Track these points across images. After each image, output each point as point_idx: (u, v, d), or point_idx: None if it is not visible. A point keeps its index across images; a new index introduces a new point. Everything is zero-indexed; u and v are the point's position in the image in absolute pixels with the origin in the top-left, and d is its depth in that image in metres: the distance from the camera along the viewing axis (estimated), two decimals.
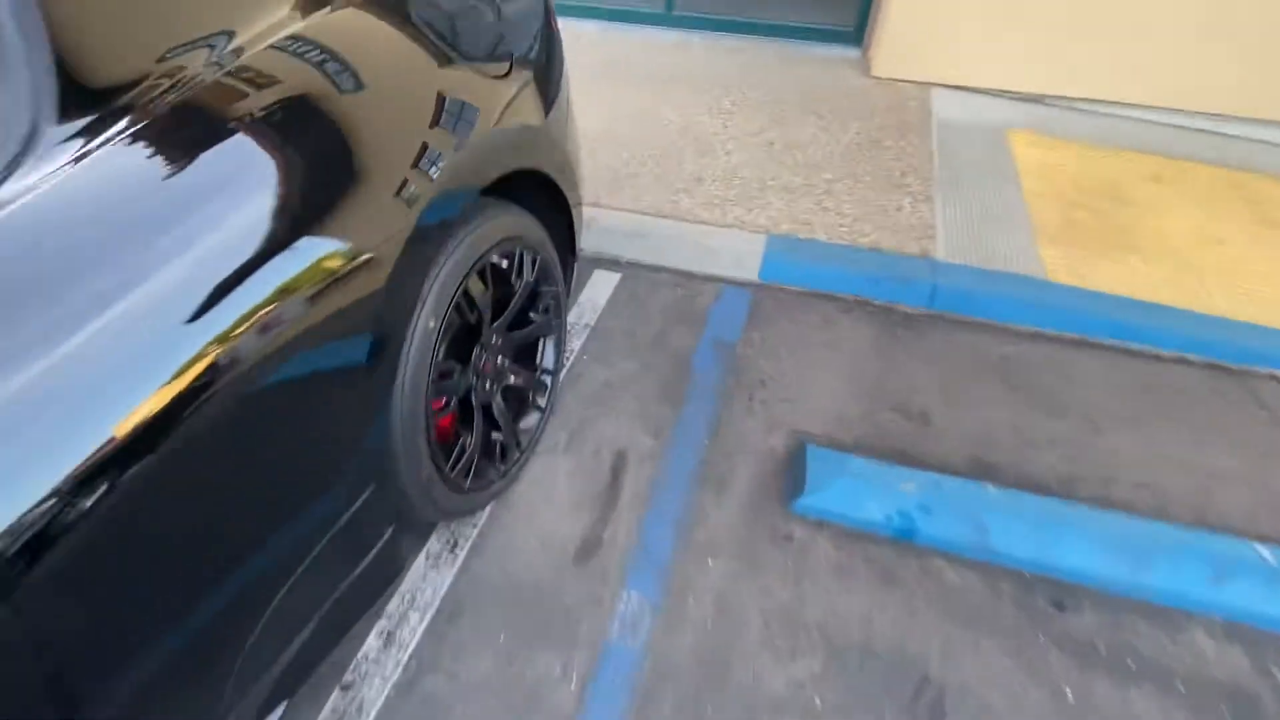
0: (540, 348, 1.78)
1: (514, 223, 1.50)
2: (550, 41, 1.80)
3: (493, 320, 1.51)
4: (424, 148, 1.20)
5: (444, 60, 1.32)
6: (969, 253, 2.47)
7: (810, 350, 2.19)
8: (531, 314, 1.68)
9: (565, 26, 4.54)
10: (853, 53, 4.12)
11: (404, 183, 1.14)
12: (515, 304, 1.56)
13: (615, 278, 2.51)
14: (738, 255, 2.49)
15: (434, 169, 1.20)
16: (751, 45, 4.22)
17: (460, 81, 1.33)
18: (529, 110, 1.54)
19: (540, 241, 1.63)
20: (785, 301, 2.40)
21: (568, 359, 2.13)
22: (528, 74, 1.57)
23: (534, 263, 1.60)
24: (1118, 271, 2.40)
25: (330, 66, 1.09)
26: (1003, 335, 2.26)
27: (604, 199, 2.74)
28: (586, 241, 2.62)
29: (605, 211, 2.67)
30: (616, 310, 2.35)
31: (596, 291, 2.43)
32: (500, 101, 1.42)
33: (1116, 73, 3.43)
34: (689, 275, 2.53)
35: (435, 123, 1.24)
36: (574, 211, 1.87)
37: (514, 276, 1.55)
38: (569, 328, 2.26)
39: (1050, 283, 2.33)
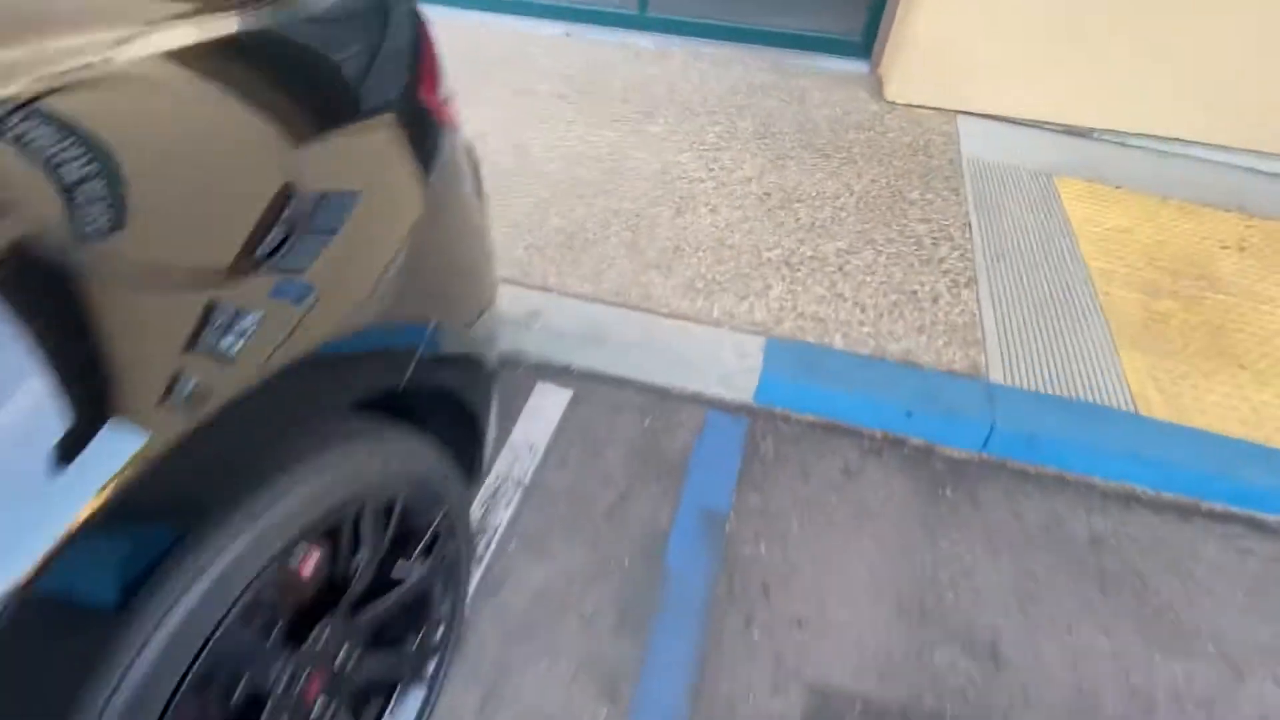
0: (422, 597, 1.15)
1: (346, 473, 0.87)
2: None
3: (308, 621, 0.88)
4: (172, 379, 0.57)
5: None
6: (1031, 368, 1.87)
7: (830, 526, 1.59)
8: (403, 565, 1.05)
9: (523, 29, 3.85)
10: (860, 67, 3.48)
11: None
12: (358, 588, 0.93)
13: (564, 397, 1.88)
14: (727, 368, 1.88)
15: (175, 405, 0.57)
16: (742, 55, 3.56)
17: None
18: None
19: (410, 472, 0.99)
20: (791, 438, 1.80)
21: (488, 546, 1.51)
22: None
23: (395, 513, 0.97)
24: (1225, 396, 1.83)
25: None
26: (1087, 497, 1.68)
27: (553, 279, 2.10)
28: (528, 343, 1.99)
29: (554, 300, 2.03)
30: (563, 453, 1.73)
31: (536, 424, 1.80)
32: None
33: (1182, 103, 2.84)
34: (662, 394, 1.91)
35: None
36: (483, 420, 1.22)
37: (355, 551, 0.92)
38: (494, 484, 1.64)
39: (1142, 418, 1.75)
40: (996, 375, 1.85)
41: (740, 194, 2.50)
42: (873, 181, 2.60)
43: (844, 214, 2.42)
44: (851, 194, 2.53)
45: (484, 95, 3.05)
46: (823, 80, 3.34)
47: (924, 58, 2.97)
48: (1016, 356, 1.91)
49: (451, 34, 3.86)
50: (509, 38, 3.67)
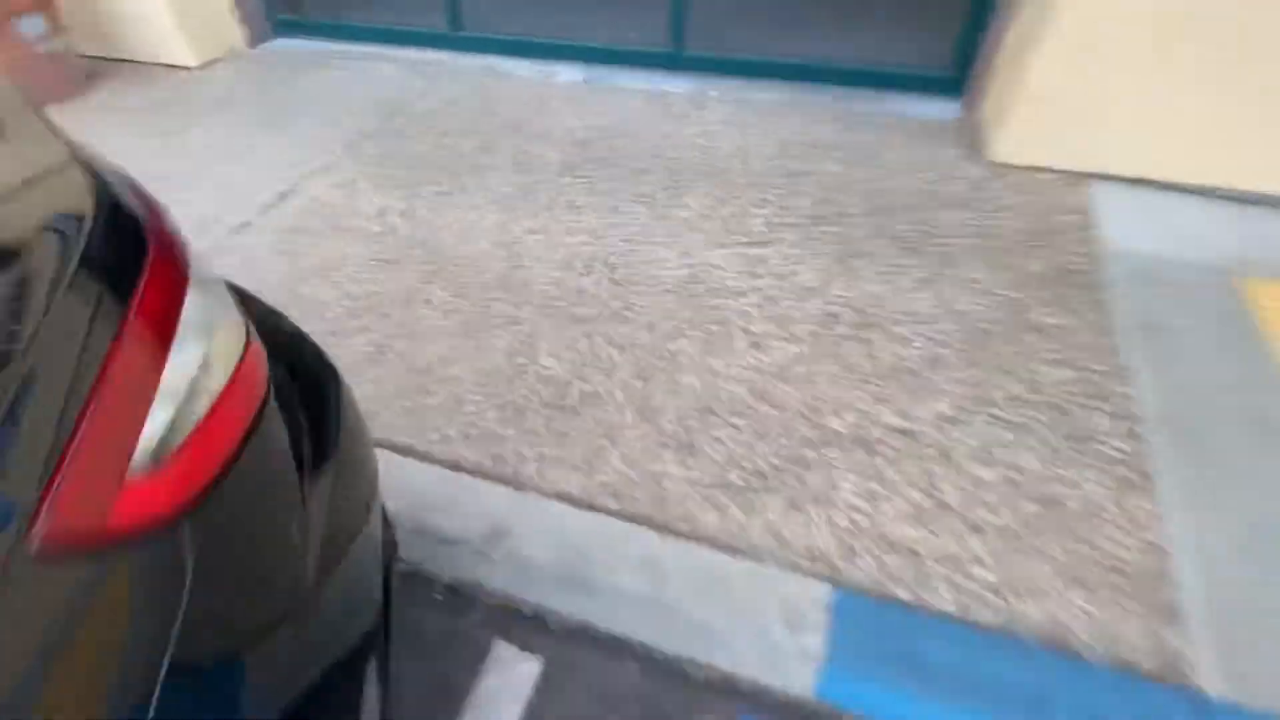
0: None
1: None
2: None
3: None
4: None
5: None
6: (1261, 664, 1.16)
7: None
8: None
9: (538, 76, 3.29)
10: (949, 109, 2.75)
11: None
12: None
13: (531, 673, 1.29)
14: (772, 639, 1.25)
15: None
16: (796, 99, 2.89)
17: None
18: None
19: None
20: None
21: None
22: None
23: None
24: None
25: None
26: None
27: (530, 467, 1.51)
28: (491, 576, 1.41)
29: (529, 506, 1.45)
30: None
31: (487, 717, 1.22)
32: None
33: None
34: (679, 673, 1.30)
35: None
36: None
37: None
38: None
39: None
40: (1212, 680, 1.15)
41: (794, 315, 1.86)
42: (982, 294, 1.90)
43: (943, 350, 1.74)
44: (952, 315, 1.84)
45: (481, 181, 2.49)
46: (901, 131, 2.64)
47: (1043, 103, 2.24)
48: (1246, 639, 1.20)
49: (456, 89, 3.26)
50: (519, 89, 3.11)
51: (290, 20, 3.80)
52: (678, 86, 3.05)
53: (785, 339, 1.79)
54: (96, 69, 3.54)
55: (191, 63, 3.49)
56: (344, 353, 1.81)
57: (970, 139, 2.55)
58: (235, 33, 3.66)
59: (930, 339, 1.77)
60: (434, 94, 3.11)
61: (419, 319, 1.91)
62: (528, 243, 2.17)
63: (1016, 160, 2.36)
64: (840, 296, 1.91)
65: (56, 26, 3.16)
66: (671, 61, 3.16)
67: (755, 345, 1.78)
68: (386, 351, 1.81)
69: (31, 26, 3.05)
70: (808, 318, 1.85)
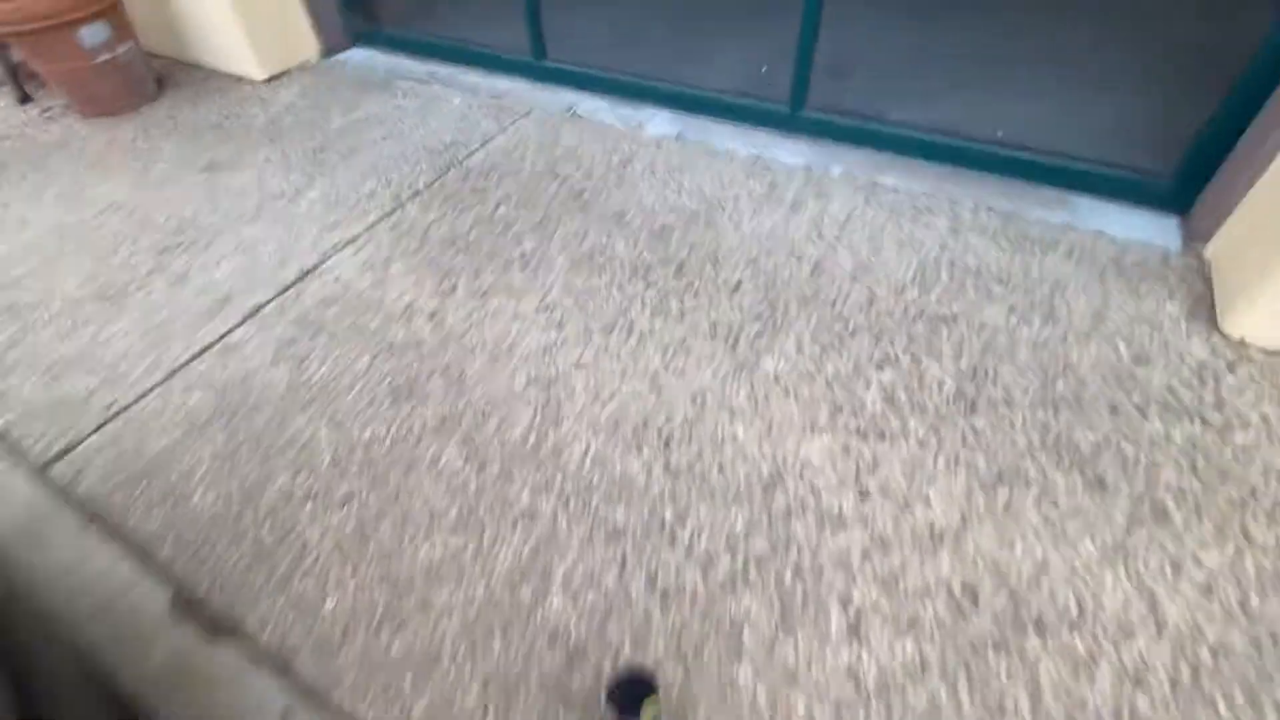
0: None
1: None
2: None
3: None
4: None
5: None
6: None
7: None
8: None
9: (624, 121, 2.75)
10: (1164, 231, 2.02)
11: None
12: None
13: None
14: None
15: None
16: (948, 189, 2.24)
17: None
18: None
19: None
20: None
21: None
22: None
23: None
24: None
25: None
26: None
27: None
28: None
29: None
30: None
31: None
32: None
33: None
34: None
35: None
36: None
37: None
38: None
39: None
40: None
41: (913, 580, 1.29)
42: (1204, 589, 1.27)
43: (1142, 699, 1.14)
44: (1157, 623, 1.23)
45: (530, 278, 2.03)
46: (1093, 261, 1.95)
47: None
48: None
49: (526, 134, 2.71)
50: (599, 141, 2.62)
51: (367, 32, 3.45)
52: (792, 155, 2.46)
53: (897, 627, 1.24)
54: (169, 72, 3.33)
55: (258, 75, 3.21)
56: (314, 533, 1.42)
57: (1196, 289, 1.84)
58: (310, 43, 3.35)
59: (1126, 670, 1.17)
60: (499, 141, 2.67)
61: (418, 491, 1.49)
62: (571, 382, 1.70)
63: (1270, 343, 1.65)
64: (984, 558, 1.33)
65: (122, 33, 2.93)
66: (786, 124, 2.57)
67: (853, 631, 1.24)
68: (368, 540, 1.41)
69: (93, 35, 2.83)
70: (930, 588, 1.29)
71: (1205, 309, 1.78)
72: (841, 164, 2.39)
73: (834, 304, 1.87)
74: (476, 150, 2.62)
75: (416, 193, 2.42)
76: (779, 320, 1.83)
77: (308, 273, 2.11)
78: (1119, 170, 2.12)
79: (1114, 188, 2.13)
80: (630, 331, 1.83)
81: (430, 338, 1.86)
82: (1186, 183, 2.01)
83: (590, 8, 3.62)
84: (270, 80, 3.24)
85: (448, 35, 3.28)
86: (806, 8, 2.27)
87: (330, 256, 2.17)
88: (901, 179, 2.30)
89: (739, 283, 1.96)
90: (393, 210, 2.34)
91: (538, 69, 3.02)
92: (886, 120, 2.47)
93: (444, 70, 3.23)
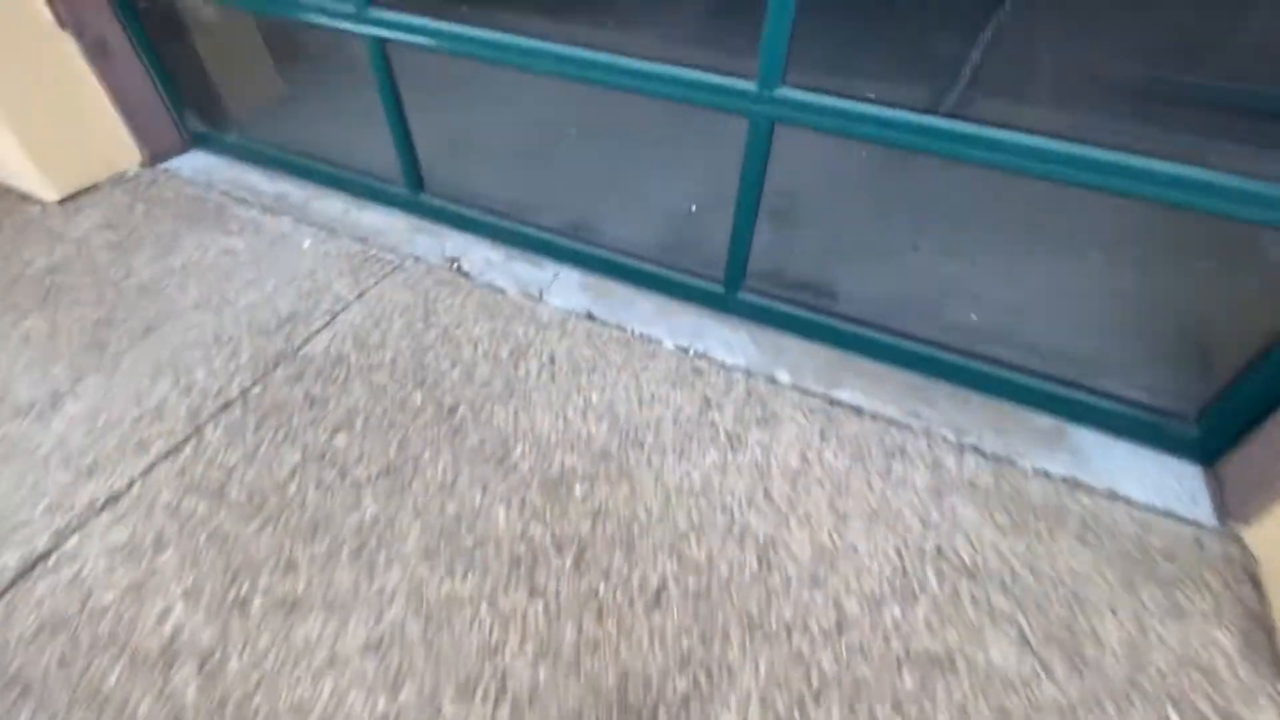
0: None
1: None
2: None
3: None
4: None
5: None
6: None
7: None
8: None
9: (517, 289, 2.31)
10: (1194, 491, 1.60)
11: None
12: None
13: None
14: None
15: None
16: (921, 410, 1.77)
17: None
18: None
19: None
20: None
21: None
22: None
23: None
24: None
25: None
26: None
27: None
28: None
29: None
30: None
31: None
32: None
33: None
34: None
35: None
36: None
37: None
38: None
39: None
40: None
41: None
42: None
43: None
44: None
45: (361, 579, 1.40)
46: (1116, 550, 1.51)
47: None
48: None
49: (392, 303, 1.99)
50: (485, 318, 2.02)
51: (207, 134, 2.78)
52: (729, 350, 1.96)
53: None
54: None
55: (49, 196, 2.48)
56: None
57: (1247, 601, 1.42)
58: (127, 149, 2.65)
59: None
60: (355, 313, 2.05)
61: None
62: None
63: None
64: None
65: None
66: (723, 305, 2.07)
67: None
68: None
69: None
70: None
71: (1263, 636, 1.36)
72: (788, 366, 1.91)
73: (790, 634, 1.35)
74: (321, 330, 2.00)
75: (226, 405, 1.77)
76: (715, 671, 1.29)
77: (43, 554, 1.44)
78: (1125, 407, 1.71)
79: (1120, 423, 1.72)
80: (500, 698, 1.25)
81: (200, 703, 1.23)
82: (1208, 433, 1.62)
83: (484, 128, 3.07)
84: (67, 201, 2.52)
85: (308, 147, 2.64)
86: (748, 168, 1.76)
87: (81, 524, 1.50)
88: (863, 392, 1.83)
89: (660, 589, 1.41)
90: (184, 440, 1.68)
91: (415, 204, 2.43)
92: (838, 296, 2.02)
93: (298, 192, 2.59)
